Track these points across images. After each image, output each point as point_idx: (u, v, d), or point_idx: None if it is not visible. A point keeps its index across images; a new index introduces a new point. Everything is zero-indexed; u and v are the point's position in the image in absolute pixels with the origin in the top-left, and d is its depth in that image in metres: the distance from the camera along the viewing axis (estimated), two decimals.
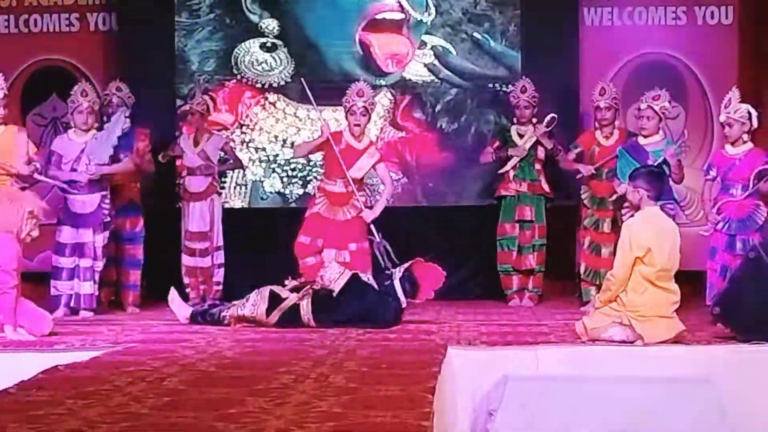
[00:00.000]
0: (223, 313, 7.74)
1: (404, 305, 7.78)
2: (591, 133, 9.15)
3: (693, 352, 6.62)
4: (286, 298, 7.68)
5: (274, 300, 7.68)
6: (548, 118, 9.21)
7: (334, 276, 7.72)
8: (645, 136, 8.64)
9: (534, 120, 9.33)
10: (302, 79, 9.00)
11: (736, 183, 8.04)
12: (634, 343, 6.68)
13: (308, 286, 7.77)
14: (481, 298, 9.50)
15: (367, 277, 7.91)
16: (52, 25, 10.46)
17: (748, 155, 8.06)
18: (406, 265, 7.86)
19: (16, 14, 10.46)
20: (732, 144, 8.15)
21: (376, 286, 7.80)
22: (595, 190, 8.96)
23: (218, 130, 9.70)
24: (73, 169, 8.59)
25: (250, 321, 7.66)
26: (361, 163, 8.69)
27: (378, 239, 8.47)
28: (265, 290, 7.74)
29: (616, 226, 8.48)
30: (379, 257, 8.41)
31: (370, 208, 8.70)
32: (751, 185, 7.94)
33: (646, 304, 6.75)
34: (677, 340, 6.73)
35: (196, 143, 9.29)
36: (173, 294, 8.07)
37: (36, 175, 8.46)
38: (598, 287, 8.05)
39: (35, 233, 7.15)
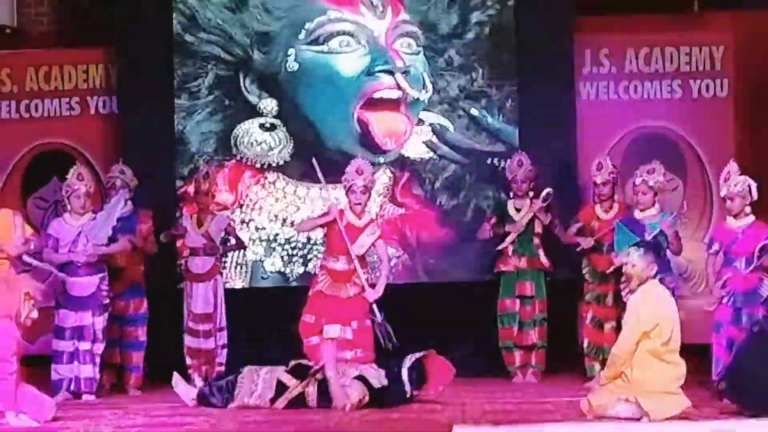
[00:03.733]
0: (230, 405, 7.70)
1: (408, 395, 7.74)
2: (591, 208, 9.16)
3: (700, 428, 6.57)
4: (290, 385, 7.65)
5: (279, 387, 7.66)
6: (544, 193, 9.21)
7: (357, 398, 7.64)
8: (641, 210, 8.66)
9: (531, 194, 9.34)
10: (313, 159, 8.91)
11: (740, 256, 7.98)
12: (640, 420, 6.64)
13: (313, 373, 7.72)
14: (485, 375, 9.36)
15: (378, 376, 7.81)
16: (53, 110, 10.60)
17: (751, 228, 8.01)
18: (418, 355, 7.82)
19: (17, 99, 10.61)
20: (734, 217, 8.13)
21: (386, 381, 7.74)
22: (596, 263, 8.95)
23: (218, 210, 9.69)
24: (71, 251, 8.55)
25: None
26: (362, 240, 8.65)
27: (379, 319, 8.42)
28: (273, 378, 7.71)
29: (619, 300, 8.46)
30: (380, 337, 8.37)
31: (372, 286, 8.66)
32: (755, 259, 7.91)
33: (652, 380, 6.74)
34: (684, 416, 6.69)
35: (199, 224, 9.31)
36: (177, 378, 8.05)
37: (25, 257, 8.08)
38: (602, 362, 8.02)
39: (34, 314, 7.14)
